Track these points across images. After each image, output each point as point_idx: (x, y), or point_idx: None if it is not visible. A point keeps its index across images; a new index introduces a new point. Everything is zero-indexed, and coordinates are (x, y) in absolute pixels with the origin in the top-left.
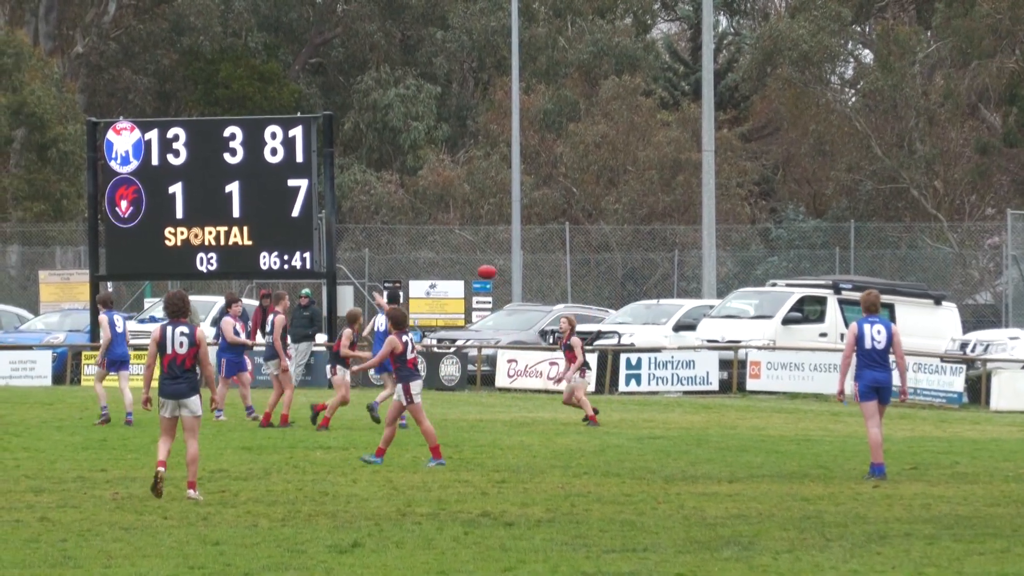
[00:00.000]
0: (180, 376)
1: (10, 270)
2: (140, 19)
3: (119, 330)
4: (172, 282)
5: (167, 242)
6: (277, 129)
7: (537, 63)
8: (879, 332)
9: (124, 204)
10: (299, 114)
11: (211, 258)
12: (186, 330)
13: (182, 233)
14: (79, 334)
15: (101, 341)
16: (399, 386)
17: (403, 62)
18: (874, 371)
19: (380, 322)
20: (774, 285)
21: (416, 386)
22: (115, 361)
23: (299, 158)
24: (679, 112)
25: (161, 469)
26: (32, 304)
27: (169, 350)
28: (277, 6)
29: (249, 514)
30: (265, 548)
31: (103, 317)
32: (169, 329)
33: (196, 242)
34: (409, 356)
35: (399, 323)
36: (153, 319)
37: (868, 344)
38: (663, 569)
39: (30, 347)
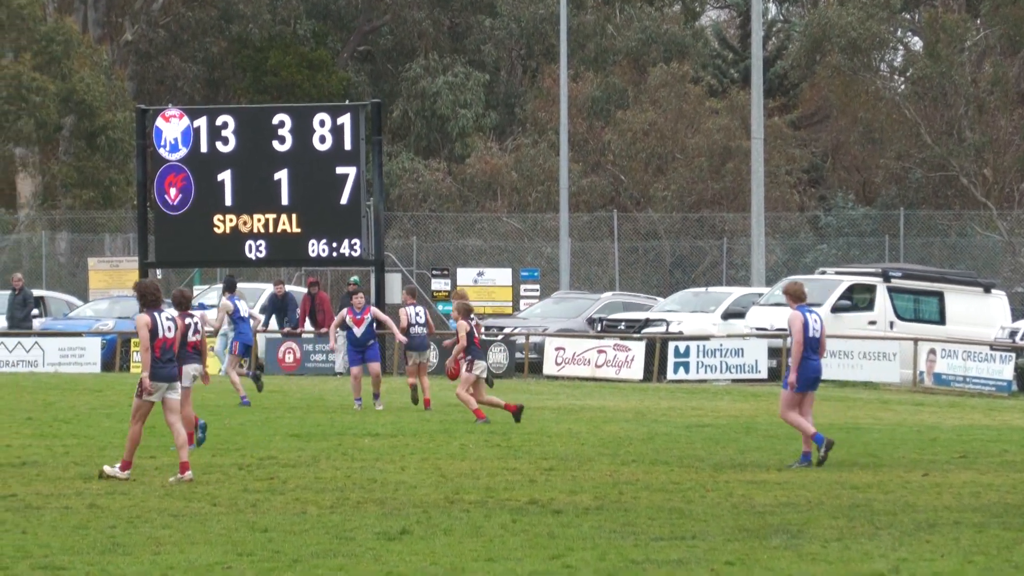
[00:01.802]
0: (172, 359)
1: (59, 257)
2: (189, 6)
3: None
4: (221, 269)
5: (216, 229)
6: (326, 117)
7: (585, 50)
8: (816, 321)
9: (173, 191)
10: (347, 102)
11: (260, 245)
12: (169, 315)
13: (231, 220)
14: (128, 321)
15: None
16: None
17: (451, 49)
18: (813, 361)
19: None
20: (823, 273)
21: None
22: None
23: (347, 146)
24: (728, 99)
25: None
26: (81, 291)
27: (160, 335)
28: None
29: (298, 501)
30: (314, 535)
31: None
32: (156, 315)
33: (245, 229)
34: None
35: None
36: (202, 306)
37: (809, 333)
38: (712, 557)
39: (79, 334)
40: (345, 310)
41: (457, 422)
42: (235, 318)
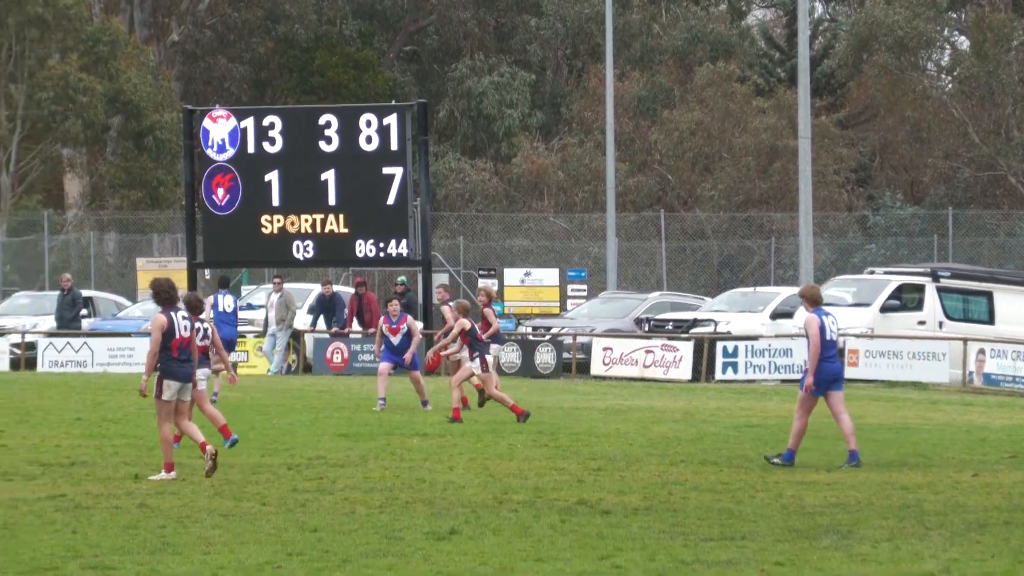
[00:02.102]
0: (189, 359)
1: (108, 257)
2: (235, 7)
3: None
4: (268, 269)
5: (263, 230)
6: (372, 117)
7: (631, 50)
8: (833, 323)
9: (221, 192)
10: (394, 102)
11: (307, 246)
12: (186, 314)
13: (278, 221)
14: None
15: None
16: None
17: (497, 49)
18: (830, 363)
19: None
20: (872, 273)
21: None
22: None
23: (394, 146)
24: (775, 98)
25: (210, 448)
26: (130, 291)
27: (177, 335)
28: None
29: (347, 501)
30: (363, 535)
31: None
32: (173, 315)
33: (292, 230)
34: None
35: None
36: (251, 306)
37: (827, 336)
38: (761, 557)
39: (128, 334)
40: (382, 319)
41: (505, 423)
42: (214, 314)
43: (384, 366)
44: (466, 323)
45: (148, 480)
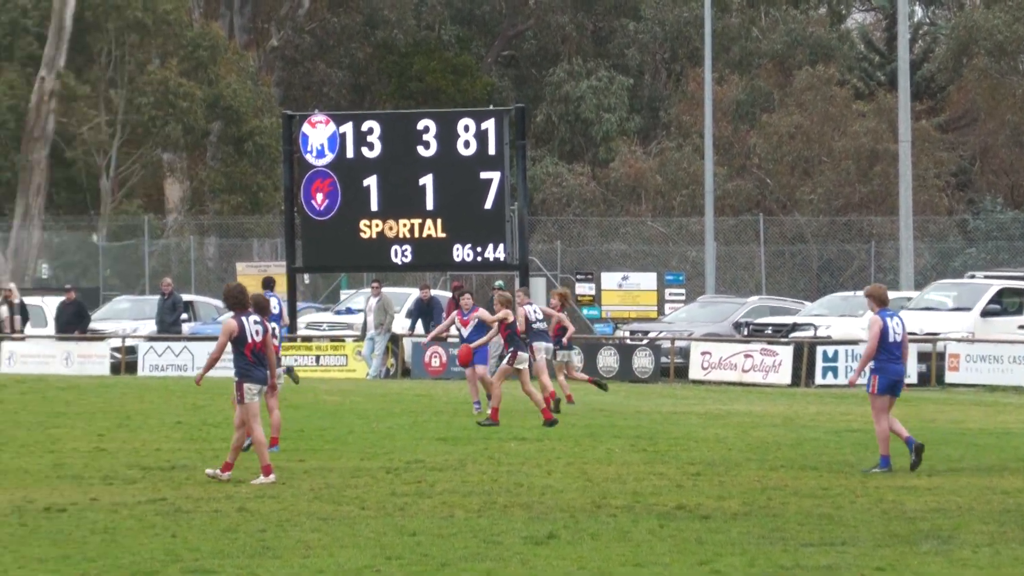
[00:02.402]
0: (263, 362)
1: (207, 262)
2: (334, 12)
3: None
4: (367, 274)
5: (362, 234)
6: (470, 122)
7: (730, 53)
8: (898, 325)
9: (320, 197)
10: (491, 107)
11: (405, 250)
12: (256, 318)
13: (377, 226)
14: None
15: None
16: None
17: (595, 54)
18: (896, 365)
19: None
20: (972, 277)
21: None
22: None
23: (491, 151)
24: (875, 102)
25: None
26: None
27: (249, 339)
28: (470, 0)
29: (445, 504)
30: (461, 539)
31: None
32: (243, 320)
33: (391, 234)
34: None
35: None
36: (349, 310)
37: (891, 338)
38: (862, 563)
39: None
40: (455, 312)
41: (603, 427)
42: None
43: (470, 372)
44: (508, 314)
45: (250, 484)
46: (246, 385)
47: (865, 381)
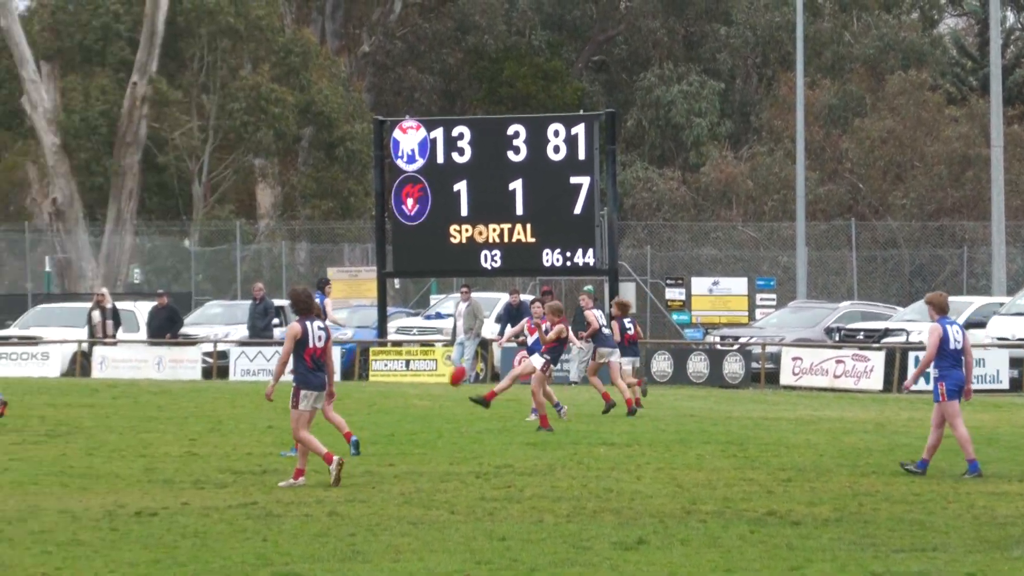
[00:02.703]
0: (322, 368)
1: (299, 267)
2: (425, 18)
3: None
4: (457, 279)
5: (452, 239)
6: (560, 127)
7: (822, 58)
8: (958, 332)
9: (410, 202)
10: (582, 112)
11: (495, 255)
12: (320, 324)
13: (467, 231)
14: (367, 330)
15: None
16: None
17: (686, 58)
18: (959, 370)
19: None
20: None
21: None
22: None
23: (581, 156)
24: (967, 107)
25: (336, 458)
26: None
27: (311, 344)
28: (561, 4)
29: (534, 509)
30: (550, 544)
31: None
32: (308, 324)
33: (480, 239)
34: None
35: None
36: (439, 315)
37: (951, 345)
38: (952, 569)
39: None
40: (526, 319)
41: (693, 432)
42: None
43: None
44: (562, 330)
45: (278, 487)
46: (303, 392)
47: (930, 387)
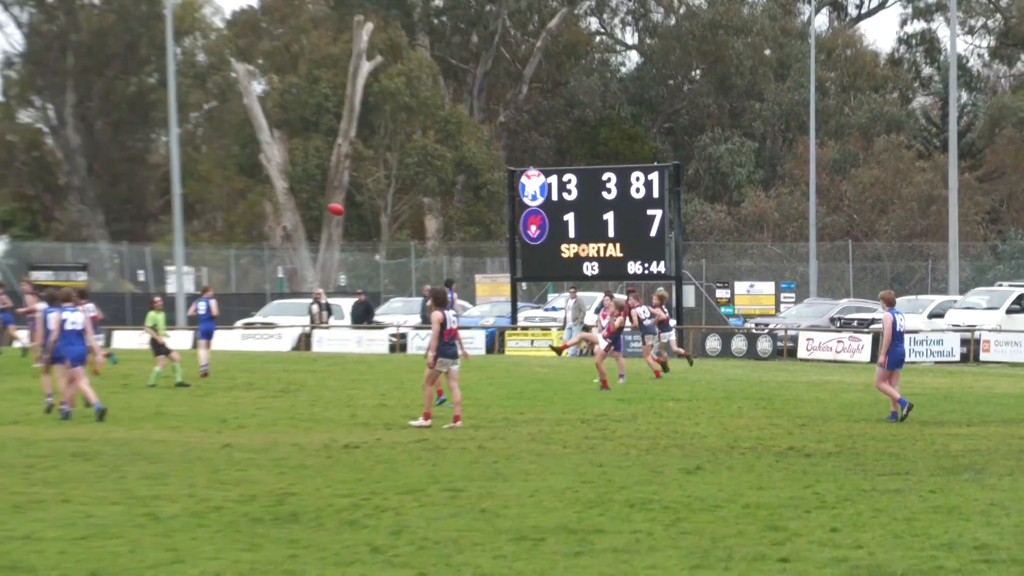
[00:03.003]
0: (453, 343)
1: (455, 274)
2: (544, 97)
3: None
4: (566, 282)
5: (563, 254)
6: (640, 174)
7: (828, 125)
8: (902, 319)
9: (533, 228)
10: (655, 163)
11: (593, 265)
12: (454, 312)
13: (573, 248)
14: (503, 318)
15: None
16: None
17: (730, 125)
18: (900, 346)
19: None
20: (1000, 285)
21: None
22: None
23: (655, 195)
24: (932, 160)
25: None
26: (471, 298)
27: (448, 326)
28: (640, 86)
29: (622, 445)
30: (635, 470)
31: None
32: (445, 312)
33: (583, 254)
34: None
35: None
36: (554, 308)
37: (898, 328)
38: (919, 487)
39: (469, 328)
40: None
41: (735, 391)
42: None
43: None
44: (623, 321)
45: (409, 425)
46: (440, 359)
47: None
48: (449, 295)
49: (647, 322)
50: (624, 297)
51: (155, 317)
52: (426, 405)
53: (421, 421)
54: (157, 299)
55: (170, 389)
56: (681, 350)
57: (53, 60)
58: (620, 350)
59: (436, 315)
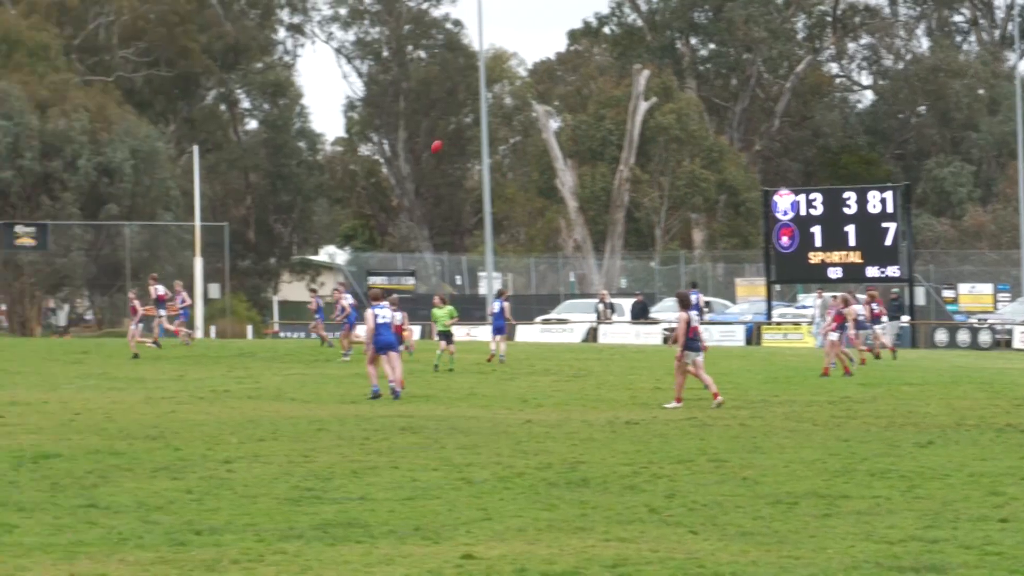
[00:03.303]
0: (697, 339)
1: (718, 278)
2: (793, 129)
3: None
4: (813, 285)
5: (811, 261)
6: (876, 193)
7: None
8: (696, 316)
9: (785, 239)
10: (889, 184)
11: (837, 270)
12: (696, 312)
13: (819, 256)
14: (760, 315)
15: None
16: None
17: (952, 151)
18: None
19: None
20: None
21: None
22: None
23: (889, 210)
24: None
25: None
26: (731, 297)
27: (693, 324)
28: (875, 119)
29: (863, 423)
30: (874, 443)
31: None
32: (690, 313)
33: (828, 261)
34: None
35: (846, 302)
36: (803, 307)
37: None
38: None
39: (731, 323)
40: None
41: (960, 377)
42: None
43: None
44: (852, 311)
45: (663, 408)
46: (686, 352)
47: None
48: (694, 295)
49: (861, 318)
50: (847, 295)
51: (436, 313)
52: (677, 391)
53: (673, 404)
54: (436, 298)
55: (481, 374)
56: (887, 342)
57: (388, 104)
58: (845, 344)
59: (682, 315)
